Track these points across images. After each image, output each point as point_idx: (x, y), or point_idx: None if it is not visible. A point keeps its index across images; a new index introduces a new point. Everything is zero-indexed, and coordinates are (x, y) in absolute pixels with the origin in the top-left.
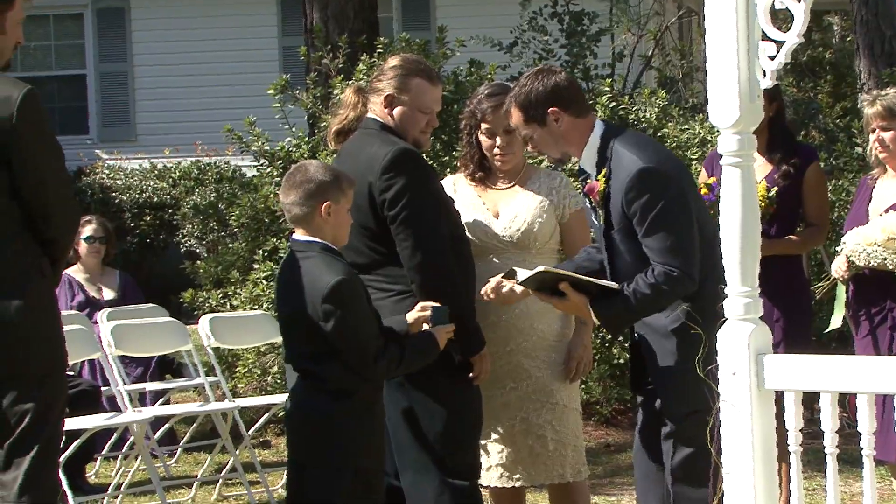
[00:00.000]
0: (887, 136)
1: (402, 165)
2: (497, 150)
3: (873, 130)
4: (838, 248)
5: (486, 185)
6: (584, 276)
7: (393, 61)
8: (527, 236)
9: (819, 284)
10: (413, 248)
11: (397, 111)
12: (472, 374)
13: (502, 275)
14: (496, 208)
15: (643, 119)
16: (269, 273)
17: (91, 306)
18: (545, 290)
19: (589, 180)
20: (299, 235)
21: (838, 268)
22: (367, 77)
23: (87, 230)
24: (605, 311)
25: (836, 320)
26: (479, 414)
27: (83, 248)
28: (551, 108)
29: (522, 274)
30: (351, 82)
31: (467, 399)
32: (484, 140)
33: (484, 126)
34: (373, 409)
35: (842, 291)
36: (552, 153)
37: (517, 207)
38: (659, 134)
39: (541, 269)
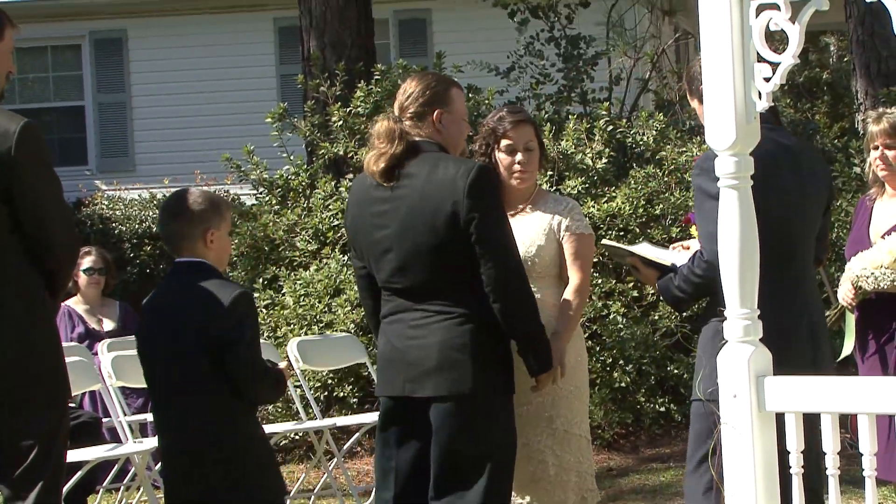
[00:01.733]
0: (891, 154)
1: (487, 183)
2: (517, 167)
3: (876, 147)
4: (844, 273)
5: None
6: (644, 251)
7: (420, 80)
8: (530, 259)
9: (827, 313)
10: (500, 268)
11: (448, 126)
12: (534, 385)
13: None
14: None
15: (641, 142)
16: (270, 301)
17: (91, 338)
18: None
19: None
20: (184, 257)
21: (845, 295)
22: (364, 104)
23: (87, 262)
24: (661, 288)
25: (848, 347)
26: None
27: (83, 279)
28: (702, 86)
29: (607, 241)
30: (377, 116)
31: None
32: (503, 157)
33: (504, 143)
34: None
35: (850, 319)
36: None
37: (522, 232)
38: (657, 157)
39: (611, 243)
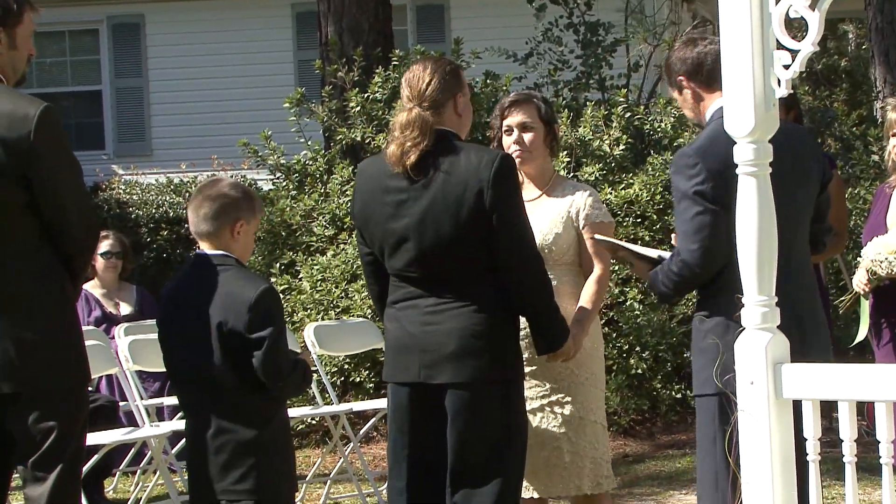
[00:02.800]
0: None
1: (510, 173)
2: (514, 147)
3: (895, 135)
4: (858, 260)
5: None
6: (633, 247)
7: (435, 66)
8: (547, 247)
9: (841, 298)
10: (520, 252)
11: (464, 110)
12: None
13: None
14: None
15: (658, 129)
16: (286, 286)
17: (108, 321)
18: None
19: None
20: (208, 249)
21: (859, 281)
22: (382, 90)
23: (104, 245)
24: (651, 281)
25: (863, 332)
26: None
27: (100, 263)
28: (679, 77)
29: (599, 236)
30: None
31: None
32: (505, 141)
33: (504, 123)
34: (289, 431)
35: (865, 304)
36: (692, 119)
37: (538, 219)
38: (675, 143)
39: (602, 237)
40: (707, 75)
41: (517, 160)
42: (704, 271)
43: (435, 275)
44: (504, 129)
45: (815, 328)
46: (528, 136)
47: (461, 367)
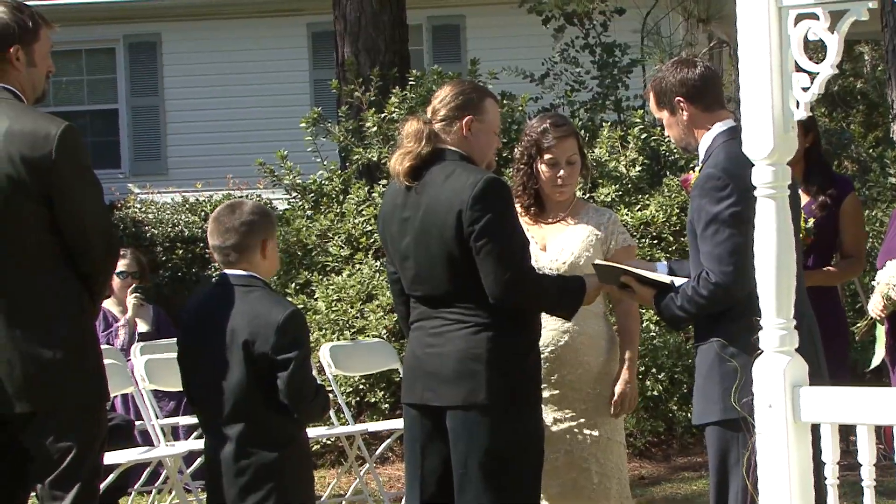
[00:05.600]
0: None
1: (493, 195)
2: (559, 181)
3: None
4: (874, 283)
5: (537, 219)
6: (641, 271)
7: (455, 86)
8: (573, 270)
9: (857, 324)
10: (498, 276)
11: (477, 135)
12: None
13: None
14: (544, 241)
15: (675, 150)
16: (302, 306)
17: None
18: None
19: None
20: (236, 270)
21: (874, 307)
22: (398, 110)
23: (121, 265)
24: (661, 306)
25: (878, 356)
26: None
27: (116, 282)
28: (677, 98)
29: (599, 260)
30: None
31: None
32: (545, 170)
33: (547, 156)
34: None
35: (881, 329)
36: (677, 141)
37: (564, 241)
38: (691, 164)
39: (602, 262)
40: (707, 100)
41: (558, 195)
42: (738, 294)
43: (436, 294)
44: (547, 160)
45: (820, 349)
46: (571, 169)
47: (457, 389)
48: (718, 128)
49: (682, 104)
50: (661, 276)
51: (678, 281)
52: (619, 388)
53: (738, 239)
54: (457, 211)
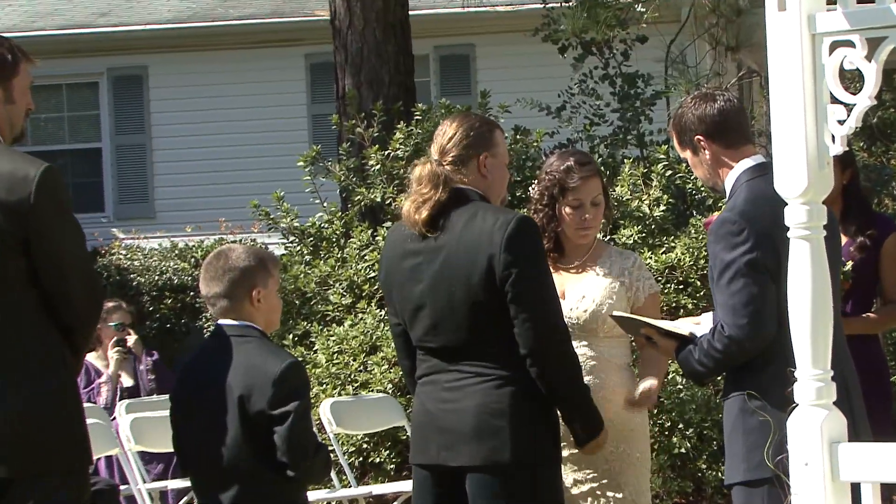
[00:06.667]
0: None
1: (528, 237)
2: (584, 224)
3: None
4: None
5: (556, 264)
6: (661, 323)
7: (463, 121)
8: (594, 319)
9: None
10: (537, 329)
11: (492, 171)
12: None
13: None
14: (563, 288)
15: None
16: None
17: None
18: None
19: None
20: (229, 320)
21: None
22: (403, 147)
23: (116, 316)
24: (681, 360)
25: None
26: None
27: (107, 334)
28: (697, 137)
29: (618, 312)
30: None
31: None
32: (569, 212)
33: (572, 197)
34: None
35: None
36: (705, 182)
37: (585, 288)
38: (719, 204)
39: (621, 314)
40: (729, 136)
41: (581, 238)
42: (754, 347)
43: (453, 345)
44: (571, 202)
45: (860, 404)
46: (596, 210)
47: (478, 448)
48: (744, 165)
49: (702, 143)
50: (681, 328)
51: (699, 332)
52: (646, 384)
53: (753, 289)
54: (487, 254)
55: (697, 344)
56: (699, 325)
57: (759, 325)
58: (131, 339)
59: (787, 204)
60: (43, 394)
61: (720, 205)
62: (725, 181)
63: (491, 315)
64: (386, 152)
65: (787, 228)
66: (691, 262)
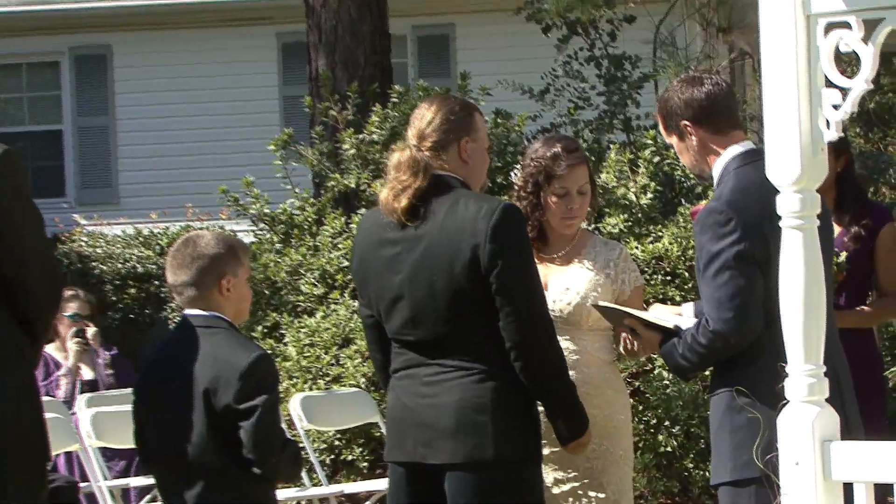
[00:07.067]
0: None
1: (513, 226)
2: (570, 213)
3: None
4: None
5: (539, 254)
6: (643, 314)
7: (442, 104)
8: (578, 312)
9: (893, 369)
10: (523, 322)
11: (473, 157)
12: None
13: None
14: (546, 279)
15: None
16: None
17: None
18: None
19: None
20: (196, 311)
21: None
22: (379, 130)
23: (72, 306)
24: (664, 353)
25: None
26: None
27: (65, 324)
28: (683, 122)
29: (602, 301)
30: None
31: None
32: (554, 201)
33: (558, 185)
34: None
35: None
36: (691, 168)
37: (569, 280)
38: (709, 192)
39: (605, 304)
40: (717, 121)
41: (566, 228)
42: (740, 343)
43: (432, 338)
44: (557, 190)
45: (852, 400)
46: (583, 199)
47: (460, 445)
48: (732, 151)
49: (689, 128)
50: (665, 320)
51: (685, 324)
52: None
53: (740, 281)
54: (471, 244)
55: (682, 337)
56: (681, 317)
57: (745, 319)
58: (90, 330)
59: (778, 192)
60: (1, 390)
61: (710, 193)
62: (713, 168)
63: (473, 307)
64: (361, 136)
65: (778, 218)
66: (679, 253)
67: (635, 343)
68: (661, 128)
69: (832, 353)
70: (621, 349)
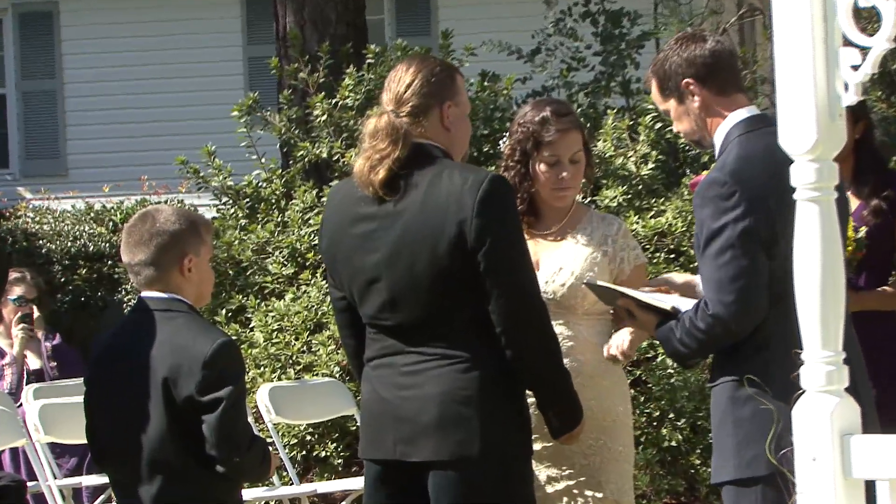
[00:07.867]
0: None
1: (502, 200)
2: (561, 184)
3: None
4: None
5: (530, 229)
6: (638, 294)
7: (421, 65)
8: (573, 294)
9: None
10: (514, 303)
11: (455, 124)
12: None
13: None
14: (537, 257)
15: None
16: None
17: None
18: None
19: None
20: (154, 293)
21: None
22: (353, 94)
23: (17, 290)
24: (661, 337)
25: None
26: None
27: (8, 309)
28: (685, 80)
29: (592, 279)
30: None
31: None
32: (544, 170)
33: (548, 153)
34: None
35: None
36: (689, 135)
37: (563, 258)
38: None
39: (600, 283)
40: (722, 80)
41: (558, 200)
42: (742, 328)
43: (412, 323)
44: (546, 158)
45: (867, 391)
46: (575, 168)
47: (443, 441)
48: (737, 116)
49: (691, 87)
50: (662, 301)
51: (683, 306)
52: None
53: (743, 261)
54: (457, 220)
55: (680, 321)
56: (684, 298)
57: (748, 303)
58: (35, 315)
59: (791, 162)
60: None
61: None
62: (715, 135)
63: (458, 288)
64: (333, 101)
65: (785, 191)
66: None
67: (621, 347)
68: (654, 93)
69: (847, 338)
70: (605, 356)
